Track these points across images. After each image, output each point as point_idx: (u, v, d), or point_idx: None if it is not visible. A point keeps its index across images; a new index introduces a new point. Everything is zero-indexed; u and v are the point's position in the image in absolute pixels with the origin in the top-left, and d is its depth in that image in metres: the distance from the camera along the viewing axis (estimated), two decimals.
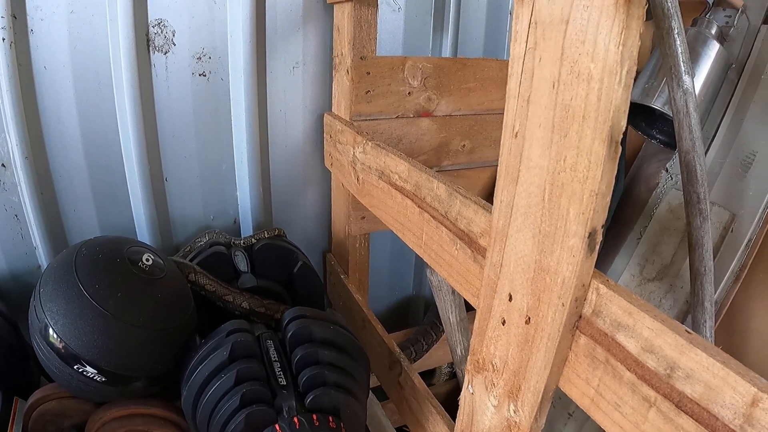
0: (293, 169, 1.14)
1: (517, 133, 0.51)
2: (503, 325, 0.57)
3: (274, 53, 1.03)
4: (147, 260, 0.76)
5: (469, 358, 0.63)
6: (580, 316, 0.50)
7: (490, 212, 0.59)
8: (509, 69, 0.53)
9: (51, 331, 0.69)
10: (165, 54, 0.98)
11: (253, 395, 0.67)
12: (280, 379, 0.71)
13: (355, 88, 0.93)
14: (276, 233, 0.97)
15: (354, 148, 0.89)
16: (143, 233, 1.06)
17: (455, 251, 0.66)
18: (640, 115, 1.09)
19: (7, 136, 0.95)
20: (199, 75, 1.00)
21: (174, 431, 0.78)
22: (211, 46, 1.00)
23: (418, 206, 0.72)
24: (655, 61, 1.03)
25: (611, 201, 0.99)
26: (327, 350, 0.73)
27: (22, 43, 0.91)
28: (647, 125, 1.10)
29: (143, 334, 0.71)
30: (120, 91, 0.97)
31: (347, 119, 0.96)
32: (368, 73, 0.93)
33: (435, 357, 1.21)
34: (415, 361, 1.15)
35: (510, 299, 0.55)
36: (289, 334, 0.73)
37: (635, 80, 1.08)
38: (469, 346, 0.99)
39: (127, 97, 0.97)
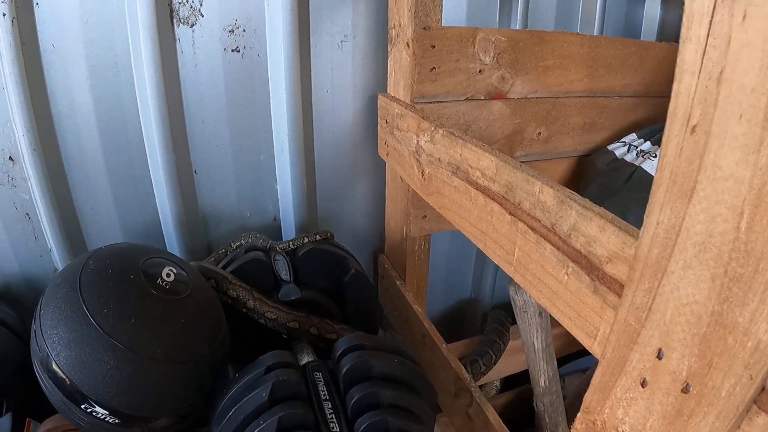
0: (341, 159, 1.01)
1: (695, 126, 0.35)
2: (643, 386, 0.42)
3: (319, 25, 0.89)
4: (167, 275, 0.63)
5: (580, 415, 0.49)
6: (763, 389, 0.35)
7: (628, 233, 0.43)
8: (683, 31, 0.37)
9: (53, 363, 0.58)
10: (191, 27, 0.85)
11: None
12: (332, 425, 0.58)
13: (418, 64, 0.78)
14: (325, 236, 0.83)
15: (418, 136, 0.74)
16: (170, 233, 0.95)
17: (564, 276, 0.51)
18: None
19: (14, 126, 0.85)
20: (232, 50, 0.87)
21: None
22: (245, 17, 0.86)
23: (510, 213, 0.57)
24: None
25: None
26: (390, 390, 0.59)
27: (26, 19, 0.79)
28: None
29: (163, 368, 0.60)
30: (140, 71, 0.85)
31: (408, 101, 0.81)
32: (433, 47, 0.78)
33: (495, 370, 1.07)
34: (484, 375, 1.01)
35: (659, 356, 0.40)
36: (344, 369, 0.60)
37: None
38: (554, 375, 0.85)
39: (148, 78, 0.85)
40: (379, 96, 0.90)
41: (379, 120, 0.91)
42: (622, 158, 0.88)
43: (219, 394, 0.62)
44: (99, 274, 0.61)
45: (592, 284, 0.48)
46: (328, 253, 0.80)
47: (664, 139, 0.38)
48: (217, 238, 1.00)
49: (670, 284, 0.38)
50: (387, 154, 0.88)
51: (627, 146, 0.90)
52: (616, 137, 0.96)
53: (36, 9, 0.79)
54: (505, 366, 1.10)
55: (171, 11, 0.84)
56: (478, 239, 0.63)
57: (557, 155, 0.98)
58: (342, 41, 0.91)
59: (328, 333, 0.73)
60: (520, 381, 1.21)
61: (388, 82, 0.88)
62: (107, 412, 0.59)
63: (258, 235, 0.88)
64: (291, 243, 0.82)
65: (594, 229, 0.47)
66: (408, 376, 0.62)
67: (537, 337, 0.74)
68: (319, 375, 0.63)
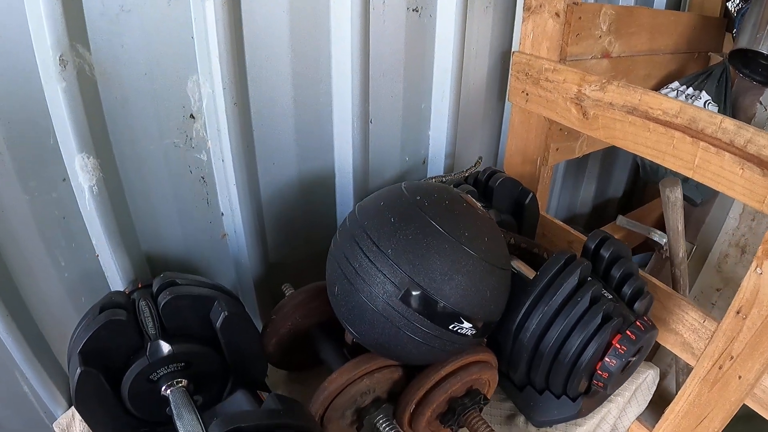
0: (475, 106, 1.37)
1: None
2: None
3: None
4: (475, 203, 0.90)
5: (761, 247, 0.97)
6: None
7: None
8: None
9: (420, 293, 0.78)
10: None
11: (609, 309, 0.92)
12: (605, 294, 0.97)
13: (569, 31, 1.18)
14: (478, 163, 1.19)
15: (581, 86, 1.15)
16: (346, 182, 1.20)
17: (739, 170, 0.98)
18: (738, 58, 1.51)
19: (201, 79, 0.95)
20: (413, 10, 1.14)
21: (494, 373, 1.00)
22: None
23: (692, 136, 1.02)
24: (758, 12, 1.43)
25: None
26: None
27: None
28: (743, 66, 1.53)
29: (505, 276, 0.86)
30: (339, 24, 1.04)
31: (556, 59, 1.20)
32: (580, 18, 1.18)
33: None
34: None
35: None
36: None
37: (740, 29, 1.49)
38: (685, 250, 1.35)
39: (349, 31, 1.04)
40: (515, 53, 1.27)
41: (513, 73, 1.28)
42: None
43: (520, 294, 0.94)
44: (440, 204, 0.82)
45: (761, 171, 0.96)
46: (515, 182, 1.17)
47: None
48: (377, 186, 1.25)
49: None
50: (526, 101, 1.27)
51: (675, 91, 1.44)
52: (662, 84, 1.50)
53: None
54: None
55: None
56: (656, 156, 1.08)
57: None
58: (487, 7, 1.26)
59: (545, 253, 1.11)
60: None
61: (523, 42, 1.26)
62: (471, 325, 0.81)
63: (440, 176, 1.19)
64: (472, 175, 1.17)
65: (764, 140, 0.94)
66: None
67: (680, 223, 1.24)
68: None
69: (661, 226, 1.77)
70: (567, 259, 0.96)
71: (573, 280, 0.93)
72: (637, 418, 1.29)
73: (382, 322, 0.82)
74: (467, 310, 0.81)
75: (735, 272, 1.55)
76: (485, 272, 0.83)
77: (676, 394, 1.61)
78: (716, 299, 1.60)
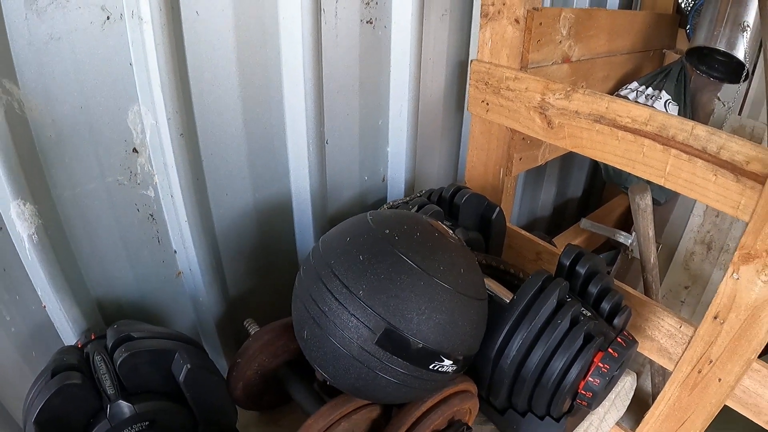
0: (434, 119, 1.31)
1: None
2: None
3: (431, 1, 1.14)
4: (447, 230, 0.84)
5: (737, 253, 0.94)
6: None
7: (758, 145, 0.89)
8: None
9: (396, 335, 0.73)
10: None
11: (590, 329, 0.87)
12: (585, 312, 0.92)
13: (529, 37, 1.12)
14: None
15: (544, 95, 1.10)
16: (304, 207, 1.13)
17: (712, 176, 0.95)
18: (695, 55, 1.49)
19: (143, 110, 0.88)
20: (367, 22, 1.08)
21: (476, 400, 0.95)
22: None
23: (662, 144, 0.99)
24: (714, 9, 1.40)
25: None
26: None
27: None
28: (700, 63, 1.52)
29: (483, 306, 0.82)
30: (290, 40, 0.97)
31: (517, 67, 1.15)
32: (540, 24, 1.13)
33: None
34: None
35: None
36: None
37: (696, 27, 1.46)
38: (656, 255, 1.32)
39: (301, 46, 0.96)
40: (474, 62, 1.21)
41: (472, 82, 1.22)
42: (635, 101, 1.38)
43: (498, 320, 0.88)
44: (412, 237, 0.76)
45: (735, 177, 0.93)
46: (480, 197, 1.11)
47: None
48: (336, 209, 1.19)
49: None
50: (487, 111, 1.21)
51: (635, 92, 1.41)
52: (620, 85, 1.47)
53: None
54: None
55: None
56: (625, 165, 1.04)
57: None
58: (443, 15, 1.19)
59: (521, 273, 1.05)
60: None
61: (481, 50, 1.20)
62: (451, 362, 0.76)
63: (405, 198, 1.12)
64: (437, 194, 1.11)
65: (737, 146, 0.91)
66: None
67: (650, 229, 1.21)
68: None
69: (623, 225, 1.76)
70: (544, 281, 0.91)
71: (552, 302, 0.89)
72: (616, 423, 1.28)
73: (357, 366, 0.76)
74: (447, 347, 0.77)
75: (702, 269, 1.56)
76: (463, 306, 0.78)
77: (652, 394, 1.61)
78: (685, 296, 1.60)
